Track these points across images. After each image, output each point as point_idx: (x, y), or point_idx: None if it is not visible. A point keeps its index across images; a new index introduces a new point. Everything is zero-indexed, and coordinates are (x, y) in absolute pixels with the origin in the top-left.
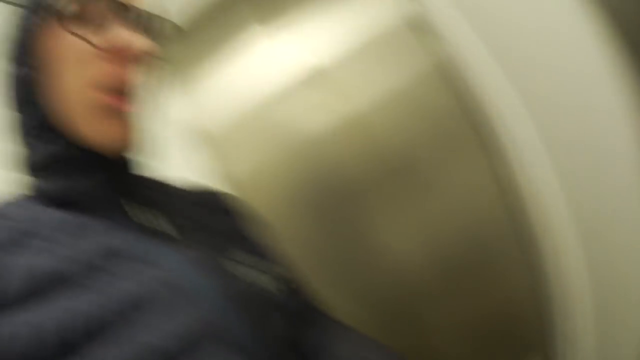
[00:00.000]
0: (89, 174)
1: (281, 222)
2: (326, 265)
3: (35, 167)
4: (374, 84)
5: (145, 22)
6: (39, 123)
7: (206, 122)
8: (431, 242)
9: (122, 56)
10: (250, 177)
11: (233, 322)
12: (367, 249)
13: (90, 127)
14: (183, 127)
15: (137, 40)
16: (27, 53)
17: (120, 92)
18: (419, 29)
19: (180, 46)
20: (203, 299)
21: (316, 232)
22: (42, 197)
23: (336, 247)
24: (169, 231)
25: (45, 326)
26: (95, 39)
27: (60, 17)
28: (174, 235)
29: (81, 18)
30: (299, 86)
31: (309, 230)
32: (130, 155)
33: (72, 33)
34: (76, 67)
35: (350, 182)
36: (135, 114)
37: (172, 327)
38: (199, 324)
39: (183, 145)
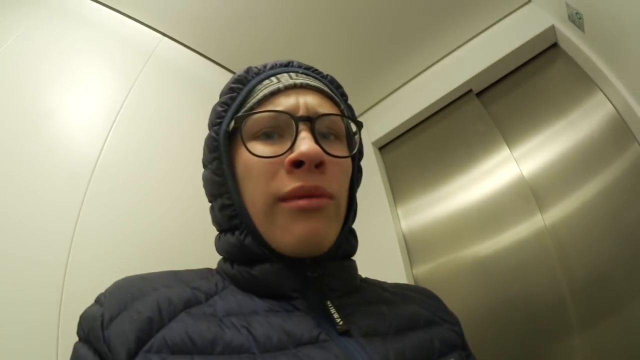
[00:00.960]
0: (272, 269)
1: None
2: None
3: (220, 250)
4: (568, 194)
5: (328, 129)
6: (232, 213)
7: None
8: None
9: (303, 167)
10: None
11: None
12: None
13: (274, 233)
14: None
15: (313, 150)
16: (216, 160)
17: (302, 197)
18: (616, 134)
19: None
20: None
21: (500, 340)
22: (224, 275)
23: None
24: (342, 321)
25: None
26: (270, 152)
27: (241, 136)
28: (344, 325)
29: (259, 132)
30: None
31: (493, 337)
32: (330, 253)
33: (250, 152)
34: (258, 181)
35: (537, 298)
36: (324, 212)
37: None
38: None
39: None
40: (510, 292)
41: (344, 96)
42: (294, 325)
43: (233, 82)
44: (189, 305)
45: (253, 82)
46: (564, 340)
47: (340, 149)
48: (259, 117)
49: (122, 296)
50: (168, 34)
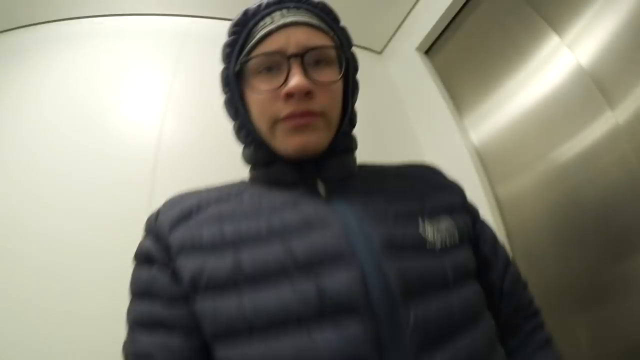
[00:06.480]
0: (280, 167)
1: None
2: (573, 285)
3: (245, 160)
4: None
5: (315, 60)
6: (246, 132)
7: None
8: None
9: (295, 96)
10: (515, 197)
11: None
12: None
13: (278, 144)
14: (461, 151)
15: (301, 84)
16: (229, 84)
17: (297, 116)
18: None
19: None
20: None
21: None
22: (252, 180)
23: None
24: (326, 193)
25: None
26: (271, 85)
27: (245, 78)
28: (327, 196)
29: (261, 68)
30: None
31: (561, 248)
32: (332, 150)
33: (250, 86)
34: (262, 108)
35: (619, 207)
36: (313, 127)
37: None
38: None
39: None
40: (589, 202)
41: (335, 20)
42: (294, 195)
43: (234, 25)
44: (221, 200)
45: (250, 23)
46: None
47: (329, 74)
48: (257, 58)
49: (173, 200)
50: (196, 14)
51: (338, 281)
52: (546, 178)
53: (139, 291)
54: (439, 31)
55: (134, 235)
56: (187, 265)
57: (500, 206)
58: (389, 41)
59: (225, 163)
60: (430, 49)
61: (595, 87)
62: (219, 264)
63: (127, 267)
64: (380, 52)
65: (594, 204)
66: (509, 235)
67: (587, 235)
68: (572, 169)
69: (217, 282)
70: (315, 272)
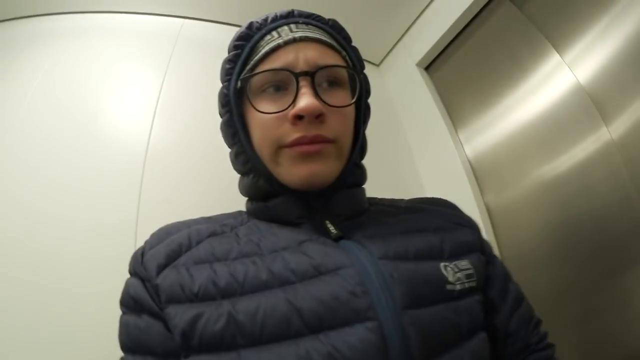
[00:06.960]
0: (282, 201)
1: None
2: (564, 298)
3: (242, 191)
4: (634, 100)
5: (327, 80)
6: (245, 159)
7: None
8: None
9: (304, 119)
10: (507, 209)
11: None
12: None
13: (281, 173)
14: (455, 164)
15: (312, 105)
16: (228, 113)
17: (306, 142)
18: None
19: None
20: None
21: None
22: (249, 212)
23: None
24: (337, 232)
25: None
26: (277, 106)
27: (247, 96)
28: (338, 232)
29: (266, 86)
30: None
31: (552, 260)
32: (339, 182)
33: (255, 109)
34: (265, 132)
35: (609, 222)
36: (324, 154)
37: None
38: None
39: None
40: (581, 215)
41: (346, 39)
42: (299, 233)
43: (236, 40)
44: (214, 234)
45: (255, 37)
46: None
47: (342, 96)
48: (262, 75)
49: (161, 234)
50: (188, 16)
51: (353, 344)
52: (539, 191)
53: (129, 344)
54: (441, 48)
55: (122, 241)
56: (178, 315)
57: (492, 218)
58: (387, 54)
59: (213, 165)
60: (431, 65)
61: (592, 104)
62: (212, 319)
63: (116, 273)
64: (378, 65)
65: (585, 217)
66: (500, 247)
67: (578, 247)
68: (565, 181)
69: (211, 341)
70: (325, 330)
